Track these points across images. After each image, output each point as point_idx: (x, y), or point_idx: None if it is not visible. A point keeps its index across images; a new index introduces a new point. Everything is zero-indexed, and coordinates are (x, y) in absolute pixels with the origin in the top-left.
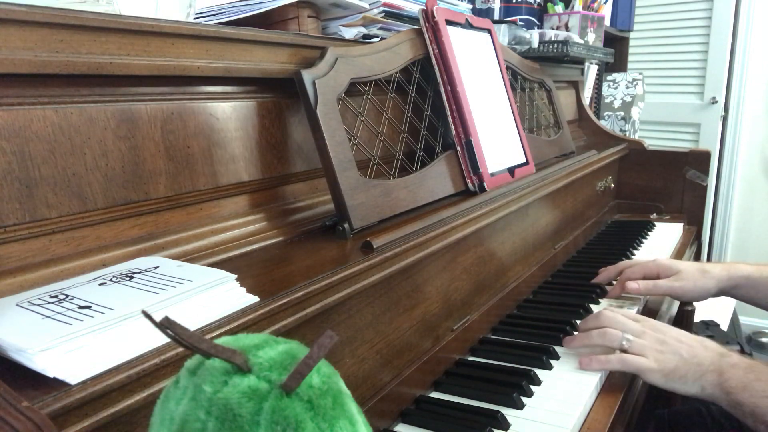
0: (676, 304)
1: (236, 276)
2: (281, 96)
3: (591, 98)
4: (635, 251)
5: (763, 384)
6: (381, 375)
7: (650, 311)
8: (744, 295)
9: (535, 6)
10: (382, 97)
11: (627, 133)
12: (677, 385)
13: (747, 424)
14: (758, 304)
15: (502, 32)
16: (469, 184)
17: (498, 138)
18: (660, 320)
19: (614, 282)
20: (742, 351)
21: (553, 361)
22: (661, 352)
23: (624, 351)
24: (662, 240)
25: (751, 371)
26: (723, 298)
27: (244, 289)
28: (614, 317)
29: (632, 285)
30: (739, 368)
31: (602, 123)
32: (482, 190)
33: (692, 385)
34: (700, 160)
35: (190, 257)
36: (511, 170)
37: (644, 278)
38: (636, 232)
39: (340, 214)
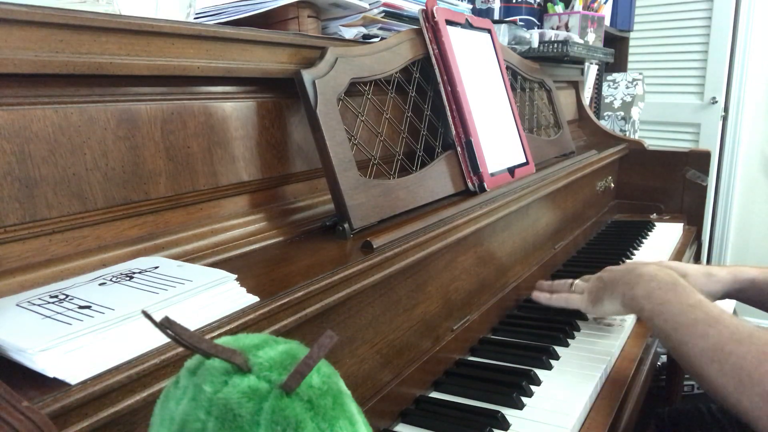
0: None
1: (236, 276)
2: (281, 96)
3: (591, 98)
4: (635, 251)
5: (662, 293)
6: (381, 375)
7: None
8: (749, 298)
9: (535, 6)
10: (382, 97)
11: (627, 133)
12: (601, 307)
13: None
14: (763, 308)
15: (502, 32)
16: (469, 184)
17: (498, 138)
18: None
19: None
20: None
21: (553, 361)
22: (594, 286)
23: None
24: (662, 240)
25: (658, 281)
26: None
27: (244, 289)
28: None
29: None
30: (648, 279)
31: (602, 123)
32: (482, 190)
33: (610, 303)
34: (700, 160)
35: (190, 257)
36: (511, 170)
37: None
38: (636, 232)
39: (340, 214)
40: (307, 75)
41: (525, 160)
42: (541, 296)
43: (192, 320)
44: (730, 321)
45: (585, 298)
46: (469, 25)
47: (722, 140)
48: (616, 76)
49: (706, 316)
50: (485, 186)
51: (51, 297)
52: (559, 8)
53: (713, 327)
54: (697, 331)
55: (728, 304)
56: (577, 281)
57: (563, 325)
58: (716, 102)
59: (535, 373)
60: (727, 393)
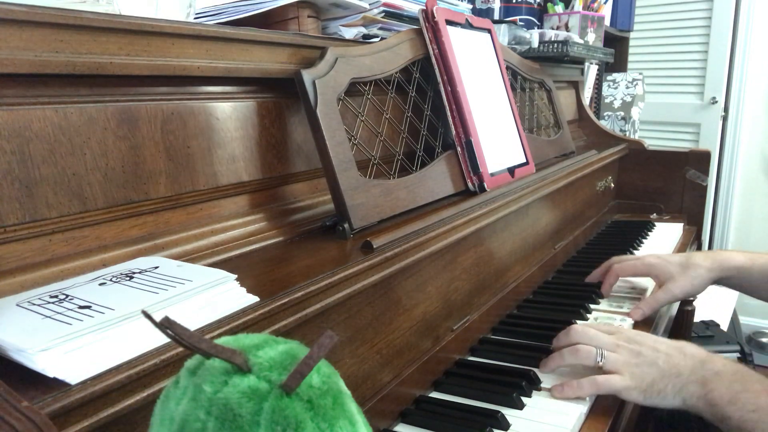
0: (676, 304)
1: (236, 276)
2: (281, 96)
3: (591, 98)
4: (635, 251)
5: (750, 395)
6: (381, 375)
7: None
8: (736, 284)
9: (535, 6)
10: (382, 97)
11: (627, 133)
12: (657, 400)
13: None
14: (750, 293)
15: (502, 32)
16: (469, 184)
17: (498, 138)
18: (660, 320)
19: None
20: (742, 351)
21: None
22: (637, 365)
23: (600, 368)
24: (662, 240)
25: (737, 381)
26: (723, 298)
27: (244, 289)
28: (585, 331)
29: (637, 313)
30: (723, 378)
31: (602, 123)
32: (482, 190)
33: (673, 399)
34: (700, 160)
35: (190, 257)
36: (511, 170)
37: (634, 276)
38: (636, 232)
39: (340, 214)
40: (307, 75)
41: (525, 160)
42: (566, 389)
43: (192, 320)
44: None
45: (631, 384)
46: (469, 25)
47: (722, 140)
48: (616, 76)
49: None
50: (485, 186)
51: (51, 297)
52: (559, 8)
53: None
54: None
55: (728, 306)
56: (606, 353)
57: (563, 324)
58: (716, 102)
59: (535, 373)
60: None
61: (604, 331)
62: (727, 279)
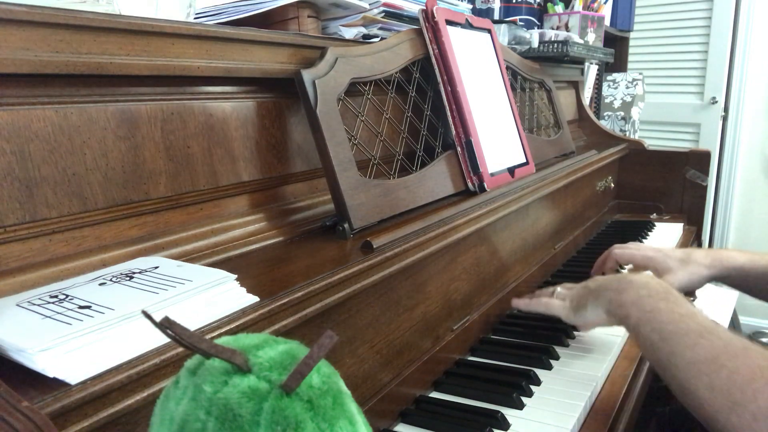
0: None
1: (236, 276)
2: (281, 96)
3: (591, 98)
4: None
5: (652, 300)
6: (381, 375)
7: None
8: (736, 284)
9: (535, 6)
10: (382, 97)
11: (627, 133)
12: (583, 312)
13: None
14: (749, 293)
15: (502, 32)
16: (469, 184)
17: (498, 138)
18: None
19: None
20: None
21: (553, 361)
22: (577, 293)
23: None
24: (662, 240)
25: (649, 288)
26: (723, 298)
27: (244, 289)
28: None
29: None
30: (638, 285)
31: (602, 123)
32: (482, 190)
33: (593, 310)
34: (700, 160)
35: (190, 257)
36: (511, 170)
37: (631, 264)
38: (636, 232)
39: (340, 214)
40: (307, 75)
41: (525, 160)
42: (519, 302)
43: (192, 320)
44: (724, 333)
45: (566, 304)
46: (469, 25)
47: (722, 140)
48: (616, 76)
49: (698, 327)
50: (485, 186)
51: (51, 297)
52: (559, 8)
53: (705, 338)
54: (687, 342)
55: (728, 306)
56: (558, 288)
57: (564, 324)
58: (716, 102)
59: (535, 373)
60: (716, 410)
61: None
62: (727, 278)
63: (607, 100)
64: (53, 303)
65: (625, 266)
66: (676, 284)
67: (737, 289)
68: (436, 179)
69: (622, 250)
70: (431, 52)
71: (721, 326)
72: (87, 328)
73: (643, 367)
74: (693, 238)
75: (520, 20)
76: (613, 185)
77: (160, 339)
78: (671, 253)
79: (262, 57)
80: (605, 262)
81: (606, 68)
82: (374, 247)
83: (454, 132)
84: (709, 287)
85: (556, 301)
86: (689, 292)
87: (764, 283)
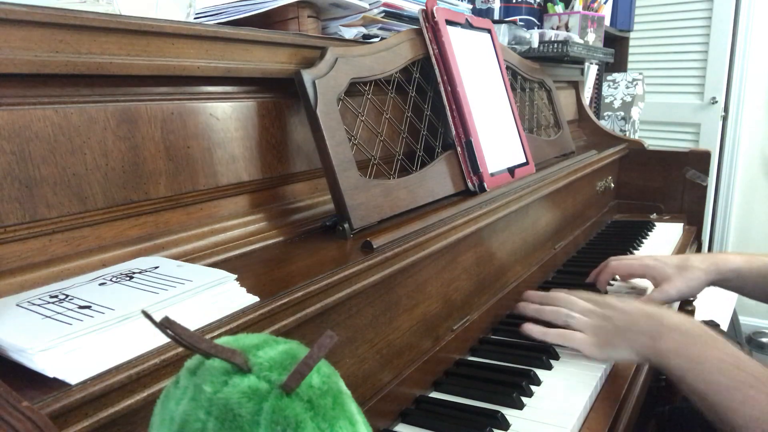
0: (676, 304)
1: (236, 276)
2: (281, 96)
3: (591, 98)
4: (635, 251)
5: (696, 349)
6: (381, 375)
7: None
8: (733, 287)
9: (535, 6)
10: (382, 97)
11: (627, 133)
12: (611, 353)
13: (681, 391)
14: (747, 295)
15: (502, 32)
16: (469, 184)
17: (498, 138)
18: None
19: (615, 280)
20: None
21: (553, 361)
22: (601, 327)
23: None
24: (662, 240)
25: (688, 335)
26: (723, 298)
27: (244, 289)
28: (565, 297)
29: None
30: (674, 331)
31: (602, 123)
32: (482, 190)
33: (625, 350)
34: (700, 160)
35: (190, 257)
36: (511, 170)
37: (630, 276)
38: (636, 232)
39: (340, 214)
40: (307, 75)
41: (525, 160)
42: (533, 330)
43: (192, 320)
44: None
45: (590, 340)
46: (469, 25)
47: (722, 140)
48: (616, 76)
49: (752, 379)
50: (485, 186)
51: (51, 297)
52: (559, 8)
53: (763, 392)
54: (744, 397)
55: (728, 306)
56: (576, 314)
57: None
58: (716, 102)
59: (535, 373)
60: None
61: (584, 299)
62: (725, 281)
63: (607, 100)
64: (53, 303)
65: (622, 279)
66: (675, 292)
67: (736, 291)
68: (436, 179)
69: (618, 262)
70: (431, 52)
71: (764, 367)
72: (87, 328)
73: (643, 367)
74: (693, 238)
75: (520, 20)
76: (613, 185)
77: (160, 339)
78: (668, 261)
79: (262, 57)
80: (602, 272)
81: (606, 68)
82: (374, 247)
83: (454, 132)
84: (709, 288)
85: (577, 335)
86: (689, 298)
87: (761, 283)
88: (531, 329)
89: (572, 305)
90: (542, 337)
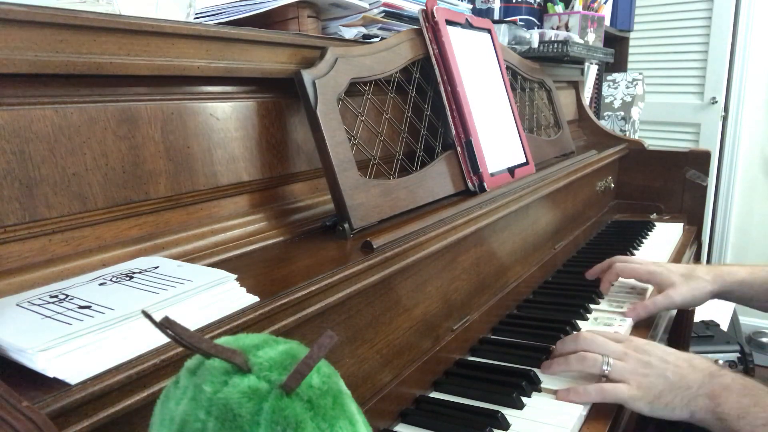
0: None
1: (236, 276)
2: (281, 96)
3: (591, 98)
4: (635, 251)
5: (760, 410)
6: (381, 375)
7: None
8: (737, 298)
9: (535, 6)
10: (382, 97)
11: (627, 133)
12: (664, 412)
13: None
14: (751, 306)
15: (502, 32)
16: (469, 184)
17: (498, 138)
18: (661, 320)
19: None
20: (742, 351)
21: None
22: (645, 375)
23: (605, 377)
24: (662, 240)
25: (747, 395)
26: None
27: (244, 289)
28: (593, 339)
29: (632, 313)
30: (732, 391)
31: (602, 123)
32: (482, 190)
33: (680, 411)
34: (700, 160)
35: (190, 257)
36: (511, 170)
37: (634, 279)
38: (636, 232)
39: (340, 214)
40: (307, 75)
41: (525, 160)
42: (570, 395)
43: (192, 320)
44: None
45: (635, 393)
46: (469, 25)
47: (722, 140)
48: (616, 76)
49: None
50: (485, 186)
51: (51, 297)
52: (559, 8)
53: None
54: None
55: (728, 306)
56: (613, 360)
57: (564, 325)
58: (716, 102)
59: (535, 373)
60: None
61: (612, 339)
62: (729, 293)
63: (607, 100)
64: (53, 303)
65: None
66: (680, 298)
67: (741, 303)
68: (436, 179)
69: (624, 264)
70: (431, 52)
71: None
72: (87, 328)
73: None
74: (693, 238)
75: (520, 20)
76: (613, 185)
77: (160, 339)
78: (674, 268)
79: (262, 57)
80: (606, 274)
81: (606, 68)
82: (374, 247)
83: (454, 132)
84: None
85: (620, 387)
86: (692, 306)
87: (765, 294)
88: (567, 395)
89: (604, 348)
90: (583, 399)
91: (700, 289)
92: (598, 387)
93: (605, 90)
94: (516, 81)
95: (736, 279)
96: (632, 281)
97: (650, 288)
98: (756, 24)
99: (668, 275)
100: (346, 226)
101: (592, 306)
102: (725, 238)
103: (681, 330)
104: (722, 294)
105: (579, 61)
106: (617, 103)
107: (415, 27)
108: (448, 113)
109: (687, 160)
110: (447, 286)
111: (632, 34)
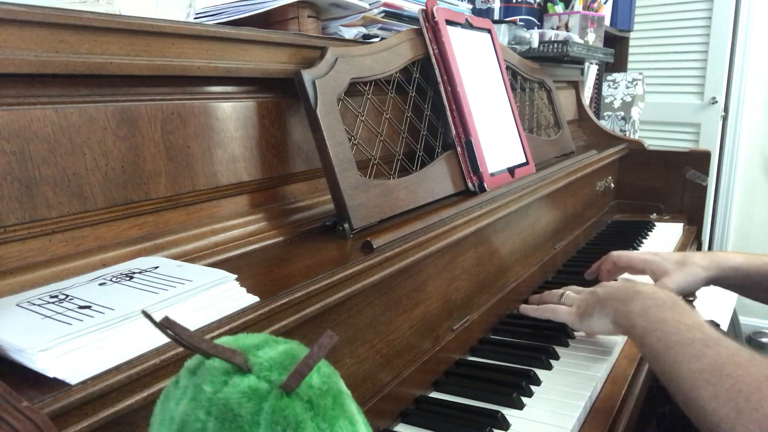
0: None
1: (236, 276)
2: (281, 96)
3: (591, 98)
4: (635, 251)
5: (658, 310)
6: (381, 375)
7: None
8: (732, 285)
9: (535, 6)
10: (382, 97)
11: (627, 133)
12: (588, 321)
13: (644, 356)
14: (746, 295)
15: (502, 32)
16: (469, 184)
17: (498, 138)
18: None
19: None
20: None
21: (553, 361)
22: (584, 299)
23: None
24: (662, 240)
25: (656, 299)
26: (723, 298)
27: (244, 289)
28: (566, 288)
29: None
30: (646, 296)
31: (602, 123)
32: (482, 190)
33: (599, 318)
34: (700, 160)
35: (190, 257)
36: (511, 170)
37: (629, 269)
38: (636, 232)
39: (340, 214)
40: (307, 75)
41: (525, 160)
42: (527, 308)
43: (192, 320)
44: (729, 343)
45: (573, 311)
46: (469, 25)
47: (722, 140)
48: (616, 76)
49: (704, 337)
50: (485, 186)
51: (51, 297)
52: (559, 8)
53: (711, 348)
54: (693, 351)
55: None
56: (567, 292)
57: (564, 325)
58: (716, 102)
59: (535, 373)
60: (720, 418)
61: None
62: (724, 279)
63: (607, 100)
64: (53, 303)
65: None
66: (674, 286)
67: (735, 291)
68: (436, 179)
69: (619, 254)
70: (431, 52)
71: (727, 337)
72: (87, 328)
73: (643, 367)
74: (693, 238)
75: (520, 20)
76: (613, 185)
77: (160, 339)
78: (668, 256)
79: (262, 57)
80: (602, 265)
81: (606, 68)
82: (374, 247)
83: (454, 132)
84: (709, 287)
85: (563, 307)
86: (688, 294)
87: (760, 282)
88: (525, 308)
89: (569, 289)
90: (534, 313)
91: (694, 275)
92: (547, 306)
93: (605, 90)
94: (516, 81)
95: (731, 265)
96: (633, 276)
97: (649, 281)
98: (756, 24)
99: (662, 263)
100: (346, 226)
101: None
102: (725, 238)
103: None
104: (717, 280)
105: (579, 61)
106: (617, 103)
107: (415, 27)
108: (448, 113)
109: (687, 160)
110: (447, 286)
111: (632, 34)
